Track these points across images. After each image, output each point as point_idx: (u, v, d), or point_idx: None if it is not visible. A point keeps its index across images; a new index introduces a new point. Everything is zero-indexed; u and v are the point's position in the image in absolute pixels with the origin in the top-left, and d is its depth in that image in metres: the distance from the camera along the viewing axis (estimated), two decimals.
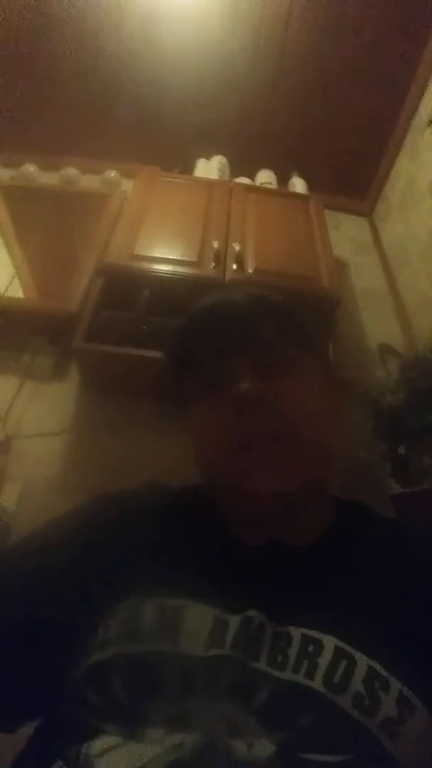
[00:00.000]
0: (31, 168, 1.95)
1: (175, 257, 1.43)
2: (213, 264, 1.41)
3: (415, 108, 1.85)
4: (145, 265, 1.40)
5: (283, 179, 1.98)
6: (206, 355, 0.51)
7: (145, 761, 0.33)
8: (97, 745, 0.35)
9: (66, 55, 1.84)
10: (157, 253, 1.43)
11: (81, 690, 0.40)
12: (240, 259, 1.43)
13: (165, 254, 1.43)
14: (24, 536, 0.52)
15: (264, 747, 0.34)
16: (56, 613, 0.44)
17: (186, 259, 1.43)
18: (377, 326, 1.73)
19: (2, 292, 1.57)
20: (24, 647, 0.44)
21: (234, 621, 0.41)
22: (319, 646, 0.39)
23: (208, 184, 1.77)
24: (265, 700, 0.37)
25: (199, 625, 0.41)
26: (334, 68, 1.84)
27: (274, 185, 1.94)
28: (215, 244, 1.45)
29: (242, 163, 2.00)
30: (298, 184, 1.94)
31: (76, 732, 0.37)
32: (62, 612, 0.44)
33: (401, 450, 1.16)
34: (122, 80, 1.89)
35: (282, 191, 1.91)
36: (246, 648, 0.39)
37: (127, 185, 1.86)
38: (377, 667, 0.38)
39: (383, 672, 0.38)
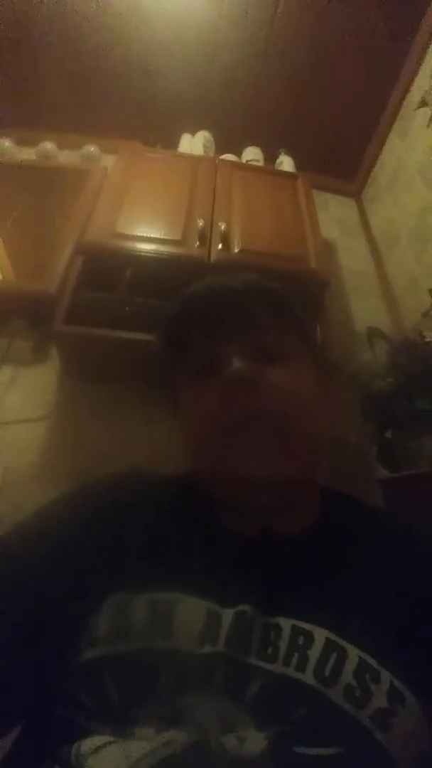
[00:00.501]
0: (6, 143, 1.87)
1: (158, 236, 1.37)
2: (198, 243, 1.36)
3: (407, 88, 1.81)
4: (127, 244, 1.35)
5: (270, 157, 1.93)
6: (198, 338, 0.51)
7: (136, 758, 0.33)
8: (89, 743, 0.35)
9: (44, 24, 1.74)
10: (140, 231, 1.38)
11: (71, 689, 0.39)
12: (226, 239, 1.39)
13: (148, 233, 1.38)
14: (5, 532, 0.50)
15: (256, 742, 0.34)
16: (41, 611, 0.42)
17: (170, 237, 1.38)
18: (364, 309, 1.72)
19: None
20: (9, 646, 0.42)
21: (227, 615, 0.40)
22: (310, 638, 0.39)
23: (193, 160, 1.71)
24: (256, 694, 0.36)
25: (192, 619, 0.40)
26: (325, 45, 1.78)
27: (261, 163, 1.89)
28: (200, 223, 1.40)
29: (228, 140, 1.94)
30: (285, 163, 1.89)
31: (67, 731, 0.37)
32: (47, 609, 0.42)
33: (388, 434, 1.15)
34: (103, 52, 1.81)
35: (269, 169, 1.85)
36: (239, 643, 0.39)
37: (108, 161, 1.79)
38: (368, 659, 0.38)
39: (374, 664, 0.38)
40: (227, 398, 0.45)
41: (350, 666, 0.37)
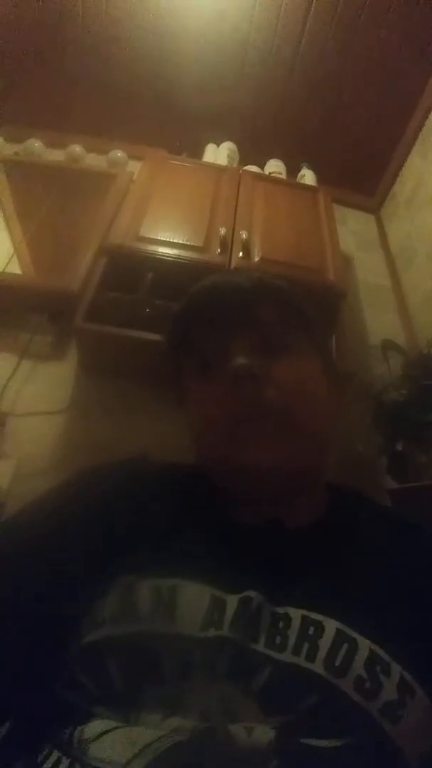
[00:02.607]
0: (36, 144, 1.91)
1: (180, 241, 1.41)
2: (219, 250, 1.39)
3: (430, 107, 1.84)
4: (150, 248, 1.38)
5: (292, 170, 1.96)
6: (204, 334, 0.51)
7: (141, 746, 0.32)
8: (91, 728, 0.34)
9: (77, 30, 1.80)
10: (163, 236, 1.41)
11: (73, 672, 0.39)
12: (246, 247, 1.42)
13: (170, 238, 1.41)
14: (11, 516, 0.51)
15: (264, 732, 0.33)
16: (48, 593, 0.43)
17: (192, 243, 1.41)
18: (379, 322, 1.73)
19: (1, 269, 1.54)
20: (14, 630, 0.42)
21: (232, 601, 0.40)
22: (320, 628, 0.39)
23: (217, 170, 1.75)
24: (264, 682, 0.36)
25: (195, 604, 0.40)
26: (351, 61, 1.82)
27: (283, 175, 1.92)
28: (222, 231, 1.42)
29: (252, 151, 1.98)
30: (307, 176, 1.92)
31: (68, 714, 0.36)
32: (54, 591, 0.43)
33: (399, 446, 1.16)
34: (134, 60, 1.86)
35: (291, 182, 1.89)
36: (245, 629, 0.38)
37: (134, 166, 1.83)
38: (379, 650, 0.38)
39: (384, 656, 0.37)
40: (232, 392, 0.46)
41: (361, 657, 0.37)
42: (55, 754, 0.34)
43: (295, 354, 0.50)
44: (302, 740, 0.33)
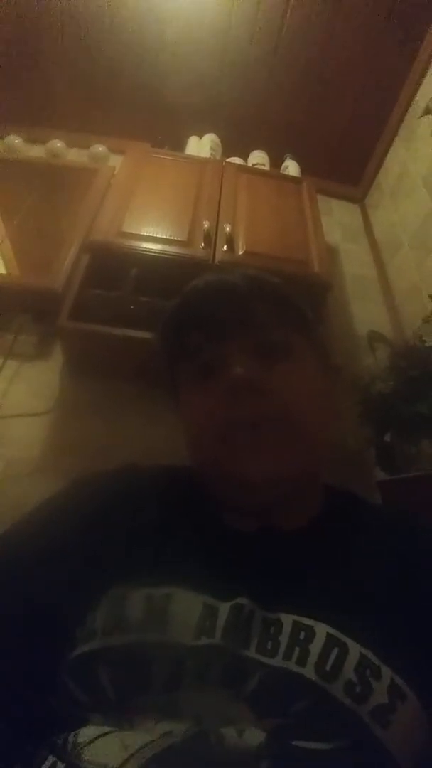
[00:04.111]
0: (15, 140, 1.89)
1: (164, 236, 1.39)
2: (203, 244, 1.38)
3: (413, 96, 1.83)
4: (134, 243, 1.36)
5: (276, 161, 1.95)
6: (199, 338, 0.50)
7: (134, 749, 0.32)
8: (85, 733, 0.35)
9: (54, 25, 1.76)
10: (146, 231, 1.40)
11: (66, 683, 0.39)
12: (230, 240, 1.40)
13: (154, 233, 1.39)
14: (7, 529, 0.50)
15: (254, 735, 0.34)
16: (41, 607, 0.43)
17: (175, 238, 1.39)
18: (366, 313, 1.73)
19: None
20: (8, 640, 0.42)
21: (224, 608, 0.40)
22: (311, 633, 0.39)
23: (200, 162, 1.73)
24: (255, 687, 0.36)
25: (187, 612, 0.40)
26: (333, 51, 1.80)
27: (266, 166, 1.91)
28: (205, 224, 1.41)
29: (235, 143, 1.96)
30: (291, 167, 1.91)
31: (62, 721, 0.36)
32: (47, 606, 0.43)
33: (387, 437, 1.16)
34: (114, 53, 1.83)
35: (275, 173, 1.87)
36: (236, 636, 0.39)
37: (116, 161, 1.81)
38: (369, 654, 0.38)
39: (375, 660, 0.37)
40: (229, 402, 0.45)
41: (351, 661, 0.37)
42: (50, 759, 0.34)
43: (292, 354, 0.49)
44: (293, 743, 0.33)
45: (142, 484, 0.55)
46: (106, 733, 0.34)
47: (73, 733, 0.35)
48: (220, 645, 0.38)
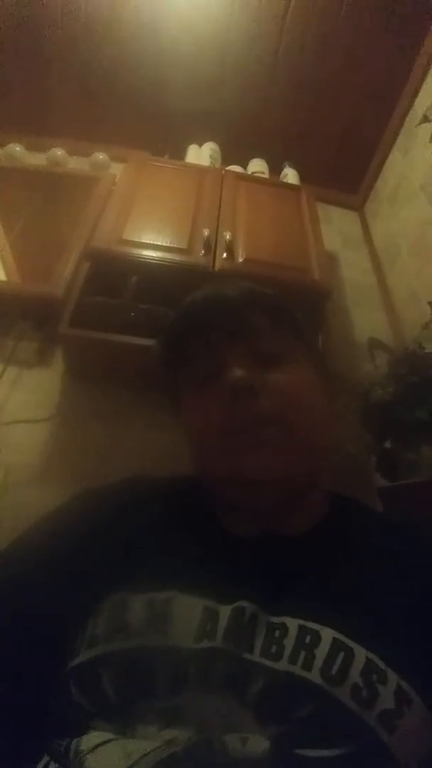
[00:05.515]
0: (16, 148, 1.89)
1: (164, 244, 1.40)
2: (203, 252, 1.39)
3: (410, 104, 1.85)
4: (134, 251, 1.37)
5: (275, 169, 1.96)
6: (199, 347, 0.52)
7: (137, 757, 0.32)
8: (87, 740, 0.35)
9: (56, 33, 1.78)
10: (146, 239, 1.40)
11: (68, 689, 0.39)
12: (230, 248, 1.41)
13: (154, 240, 1.40)
14: (9, 543, 0.51)
15: (258, 742, 0.33)
16: (43, 617, 0.43)
17: (175, 246, 1.40)
18: (365, 320, 1.73)
19: None
20: (11, 648, 0.42)
21: (225, 611, 0.40)
22: (317, 637, 0.38)
23: (200, 171, 1.74)
24: (259, 691, 0.36)
25: (188, 616, 0.40)
26: (331, 60, 1.83)
27: (266, 175, 1.92)
28: (205, 232, 1.42)
29: (234, 151, 1.98)
30: (290, 175, 1.92)
31: (65, 728, 0.36)
32: (49, 615, 0.43)
33: (387, 444, 1.16)
34: (115, 62, 1.85)
35: (274, 181, 1.89)
36: (238, 639, 0.39)
37: (116, 169, 1.82)
38: (375, 659, 0.37)
39: (381, 664, 0.37)
40: (229, 405, 0.46)
41: (357, 666, 0.37)
42: (53, 765, 0.34)
43: (289, 361, 0.51)
44: (297, 751, 0.33)
45: (143, 497, 0.56)
46: (108, 741, 0.34)
47: (75, 741, 0.35)
48: (222, 648, 0.38)
